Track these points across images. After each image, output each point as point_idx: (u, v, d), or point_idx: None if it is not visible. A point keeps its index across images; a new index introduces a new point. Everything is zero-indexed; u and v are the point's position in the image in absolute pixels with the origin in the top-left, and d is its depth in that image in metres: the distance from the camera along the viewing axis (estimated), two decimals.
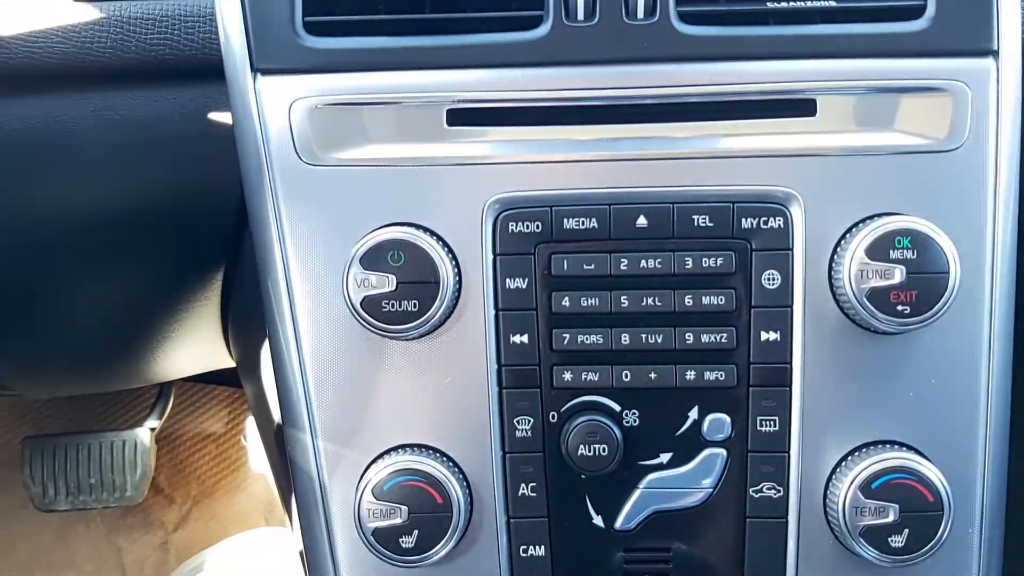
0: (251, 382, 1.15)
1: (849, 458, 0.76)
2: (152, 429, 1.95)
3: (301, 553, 0.89)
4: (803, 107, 0.77)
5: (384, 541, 0.77)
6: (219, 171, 0.89)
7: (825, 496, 0.77)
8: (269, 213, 0.81)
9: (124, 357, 1.17)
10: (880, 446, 0.76)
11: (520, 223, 0.78)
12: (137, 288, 1.04)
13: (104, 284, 1.00)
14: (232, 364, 1.34)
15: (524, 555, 0.80)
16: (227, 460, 2.11)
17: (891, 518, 0.74)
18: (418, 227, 0.77)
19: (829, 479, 0.77)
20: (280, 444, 1.08)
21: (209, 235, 1.00)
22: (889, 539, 0.74)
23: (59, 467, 1.92)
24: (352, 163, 0.79)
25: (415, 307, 0.76)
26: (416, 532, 0.76)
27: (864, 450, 0.76)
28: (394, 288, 0.76)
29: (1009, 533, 0.81)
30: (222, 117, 0.90)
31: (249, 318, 1.09)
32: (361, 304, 0.76)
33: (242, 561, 1.77)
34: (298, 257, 0.80)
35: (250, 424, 2.11)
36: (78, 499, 1.92)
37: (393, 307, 0.76)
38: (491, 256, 0.78)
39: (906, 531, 0.74)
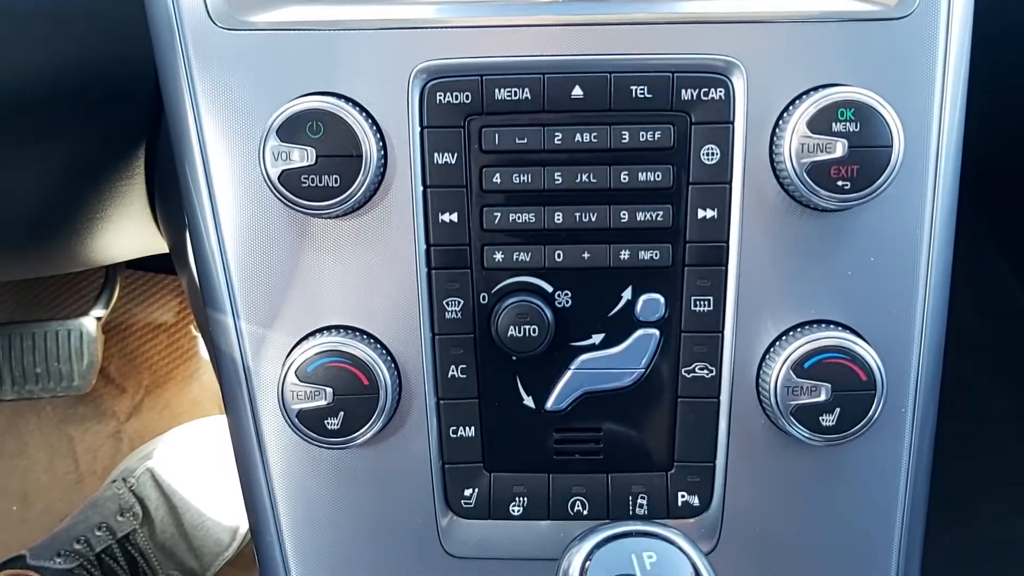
0: (183, 267, 1.11)
1: (784, 338, 0.75)
2: (98, 318, 1.92)
3: None
4: None
5: (309, 423, 0.75)
6: (133, 40, 0.83)
7: (758, 376, 0.76)
8: (182, 83, 0.76)
9: (52, 239, 1.12)
10: (816, 325, 0.75)
11: (448, 93, 0.74)
12: (55, 166, 0.99)
13: (18, 160, 0.95)
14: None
15: (454, 436, 0.79)
16: (179, 350, 2.09)
17: (823, 397, 0.73)
18: (339, 97, 0.73)
19: (763, 359, 0.76)
20: None
21: (125, 109, 0.94)
22: (820, 418, 0.73)
23: (3, 356, 1.88)
24: (269, 27, 0.74)
25: (336, 182, 0.72)
26: (342, 414, 0.75)
27: (799, 329, 0.75)
28: (314, 162, 0.72)
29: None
30: None
31: (173, 198, 1.04)
32: (279, 178, 0.72)
33: (192, 448, 1.77)
34: (214, 130, 0.76)
35: None
36: (24, 388, 1.90)
37: (313, 182, 0.72)
38: (418, 129, 0.74)
39: (837, 410, 0.73)
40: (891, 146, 0.70)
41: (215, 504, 1.71)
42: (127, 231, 1.19)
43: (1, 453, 1.98)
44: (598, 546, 0.65)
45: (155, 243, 1.29)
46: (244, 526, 1.74)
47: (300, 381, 0.74)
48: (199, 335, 2.08)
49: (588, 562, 0.64)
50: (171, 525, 1.69)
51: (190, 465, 1.74)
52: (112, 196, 1.05)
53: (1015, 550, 1.43)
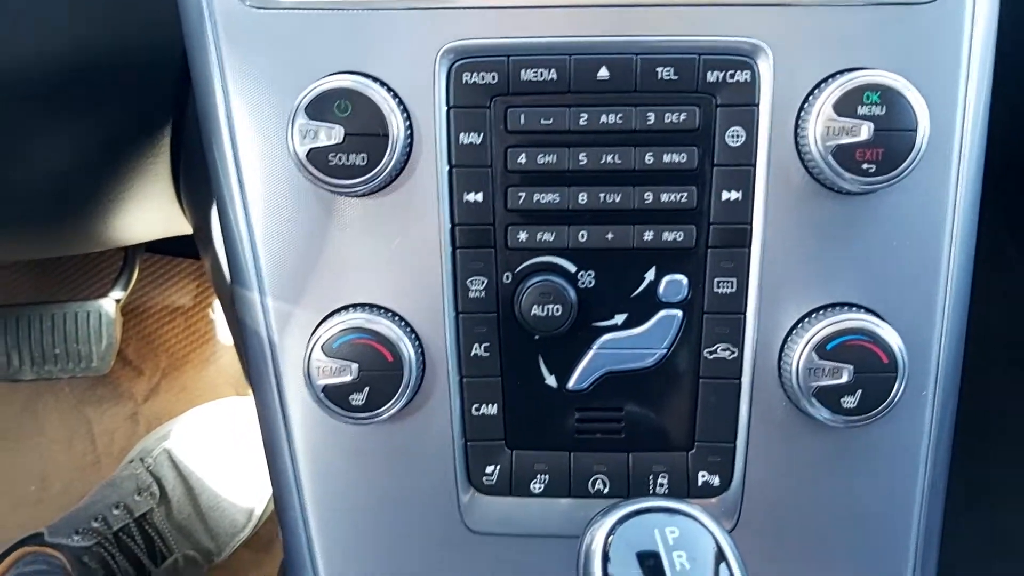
0: (207, 248, 1.12)
1: (806, 320, 0.75)
2: (117, 300, 1.93)
3: None
4: None
5: (334, 398, 0.76)
6: (161, 17, 0.84)
7: (780, 357, 0.76)
8: (211, 61, 0.76)
9: (77, 217, 1.14)
10: (838, 308, 0.75)
11: (475, 73, 0.74)
12: (82, 143, 0.99)
13: (46, 138, 0.96)
14: (191, 230, 1.31)
15: (476, 413, 0.79)
16: (196, 333, 2.11)
17: (845, 379, 0.73)
18: (367, 76, 0.74)
19: (785, 340, 0.76)
20: None
21: (152, 88, 0.95)
22: (842, 400, 0.74)
23: (23, 337, 1.90)
24: (298, 6, 0.75)
25: (363, 161, 0.72)
26: (367, 389, 0.75)
27: (821, 312, 0.75)
28: (341, 140, 0.72)
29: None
30: None
31: (198, 178, 1.05)
32: (307, 156, 0.72)
33: (208, 429, 1.78)
34: (241, 108, 0.76)
35: None
36: (43, 369, 1.92)
37: (340, 160, 0.72)
38: (444, 109, 0.75)
39: (859, 392, 0.73)
40: (916, 129, 0.70)
41: (231, 485, 1.73)
42: (150, 211, 1.20)
43: (19, 434, 2.00)
44: (620, 522, 0.65)
45: (176, 224, 1.30)
46: (260, 508, 1.75)
47: (326, 357, 0.75)
48: (216, 318, 2.09)
49: (611, 537, 0.64)
50: (187, 505, 1.71)
51: (207, 446, 1.75)
52: (137, 175, 1.06)
53: None
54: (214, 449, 1.75)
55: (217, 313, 2.09)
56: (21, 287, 2.01)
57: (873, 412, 0.74)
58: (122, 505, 1.66)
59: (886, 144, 0.70)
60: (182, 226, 1.31)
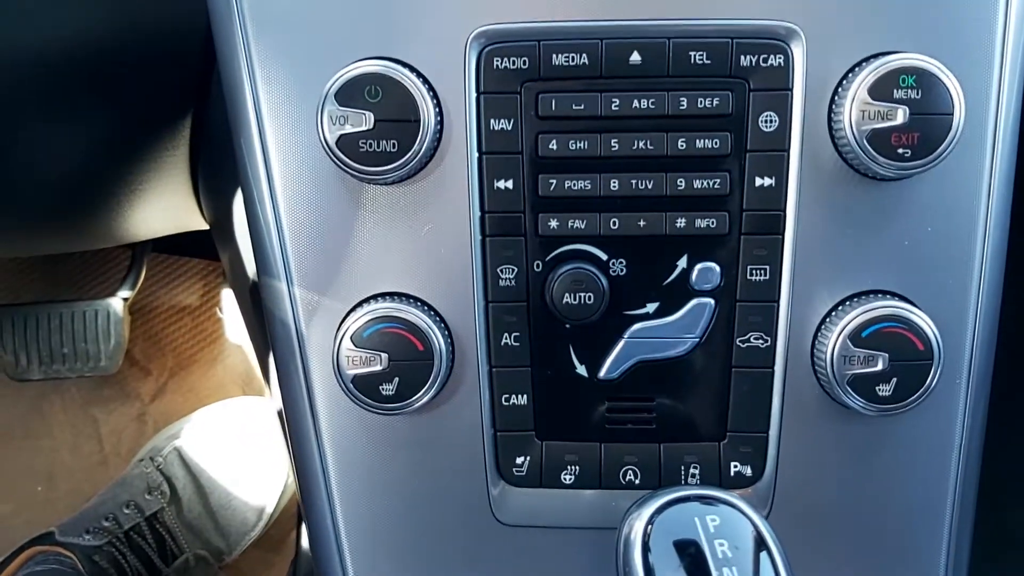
0: (226, 241, 1.11)
1: (840, 308, 0.75)
2: (125, 299, 1.92)
3: (280, 413, 0.87)
4: None
5: (364, 388, 0.75)
6: (183, 4, 0.83)
7: (813, 346, 0.76)
8: (238, 49, 0.75)
9: (93, 209, 1.12)
10: (871, 295, 0.74)
11: (505, 58, 0.73)
12: (98, 135, 0.98)
13: (61, 129, 0.95)
14: (204, 226, 1.30)
15: (506, 404, 0.78)
16: (203, 333, 2.10)
17: (880, 367, 0.73)
18: (397, 62, 0.73)
19: (818, 329, 0.75)
20: (257, 304, 1.05)
21: (173, 78, 0.94)
22: (877, 388, 0.73)
23: (31, 336, 1.89)
24: None
25: (394, 147, 0.72)
26: (397, 379, 0.75)
27: (855, 299, 0.74)
28: (371, 126, 0.71)
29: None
30: None
31: (219, 170, 1.04)
32: (337, 143, 0.72)
33: (218, 428, 1.77)
34: (270, 95, 0.75)
35: (225, 297, 2.09)
36: (51, 368, 1.90)
37: (371, 147, 0.72)
38: (474, 95, 0.74)
39: (894, 380, 0.73)
40: (952, 114, 0.70)
41: (242, 484, 1.72)
42: (164, 205, 1.19)
43: (26, 434, 1.99)
44: (659, 511, 0.65)
45: (189, 220, 1.30)
46: (271, 506, 1.74)
47: (356, 347, 0.74)
48: (223, 318, 2.08)
49: (650, 527, 0.64)
50: (198, 504, 1.69)
51: (217, 445, 1.74)
52: (155, 168, 1.05)
53: None
54: (224, 448, 1.74)
55: (225, 312, 2.08)
56: (28, 286, 2.00)
57: (908, 400, 0.73)
58: (132, 504, 1.65)
59: (922, 128, 0.70)
60: (195, 222, 1.30)
